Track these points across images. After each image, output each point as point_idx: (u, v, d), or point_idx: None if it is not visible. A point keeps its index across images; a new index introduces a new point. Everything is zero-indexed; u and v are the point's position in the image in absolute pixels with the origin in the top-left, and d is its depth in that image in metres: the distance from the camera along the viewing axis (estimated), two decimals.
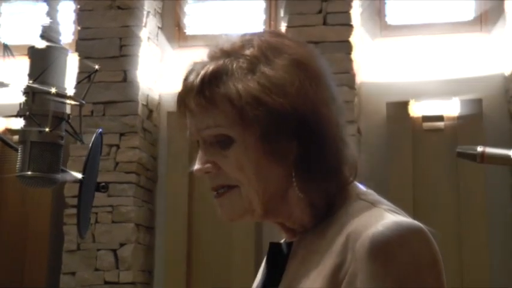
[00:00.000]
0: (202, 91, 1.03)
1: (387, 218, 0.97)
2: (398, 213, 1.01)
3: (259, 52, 1.03)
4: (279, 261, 1.08)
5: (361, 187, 1.08)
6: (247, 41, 1.05)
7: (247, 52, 1.04)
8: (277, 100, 1.00)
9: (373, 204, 1.02)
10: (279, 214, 1.07)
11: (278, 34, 1.08)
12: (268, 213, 1.06)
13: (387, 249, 0.93)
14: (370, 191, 1.07)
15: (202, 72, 1.03)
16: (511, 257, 4.13)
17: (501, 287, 4.08)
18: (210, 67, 1.03)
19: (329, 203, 1.04)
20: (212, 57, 1.05)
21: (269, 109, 1.00)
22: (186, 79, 1.06)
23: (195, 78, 1.03)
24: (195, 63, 1.06)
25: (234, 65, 1.03)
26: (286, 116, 1.00)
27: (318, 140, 1.02)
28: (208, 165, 1.05)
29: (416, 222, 0.97)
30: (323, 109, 1.03)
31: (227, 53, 1.05)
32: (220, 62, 1.03)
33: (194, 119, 1.05)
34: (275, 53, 1.04)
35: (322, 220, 1.04)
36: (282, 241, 1.13)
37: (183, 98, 1.06)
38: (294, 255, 1.06)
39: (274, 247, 1.11)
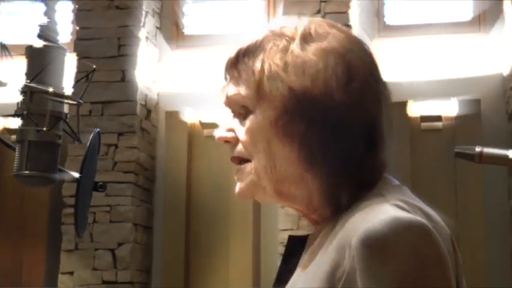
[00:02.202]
0: (235, 62, 1.07)
1: (387, 212, 0.94)
2: (404, 209, 0.96)
3: (300, 35, 1.05)
4: (297, 254, 1.08)
5: (394, 182, 1.06)
6: (296, 24, 1.07)
7: (288, 33, 1.06)
8: (292, 78, 1.01)
9: (384, 197, 1.00)
10: (296, 199, 1.06)
11: (330, 24, 1.09)
12: (281, 195, 1.06)
13: (383, 246, 0.90)
14: (401, 186, 1.05)
15: (241, 46, 1.07)
16: (509, 256, 4.14)
17: (499, 286, 4.09)
18: (250, 42, 1.07)
19: (348, 197, 1.02)
20: (261, 36, 1.08)
21: (285, 86, 1.02)
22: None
23: (235, 51, 1.08)
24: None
25: (271, 44, 1.05)
26: (297, 95, 1.01)
27: (328, 129, 1.01)
28: (228, 133, 1.08)
29: (417, 218, 0.93)
30: (343, 99, 1.01)
31: (273, 33, 1.07)
32: (260, 38, 1.06)
33: (228, 87, 1.09)
34: (316, 39, 1.04)
35: (339, 212, 1.02)
36: (301, 234, 1.12)
37: (224, 68, 1.10)
38: (308, 249, 1.05)
39: (293, 240, 1.11)
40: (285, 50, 1.04)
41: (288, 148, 1.02)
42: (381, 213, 0.94)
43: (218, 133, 1.09)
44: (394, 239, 0.90)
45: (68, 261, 4.29)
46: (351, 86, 1.02)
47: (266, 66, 1.03)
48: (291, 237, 1.12)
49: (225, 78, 1.10)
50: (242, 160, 1.07)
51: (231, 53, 1.09)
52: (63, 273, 4.29)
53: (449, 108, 4.30)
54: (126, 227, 4.32)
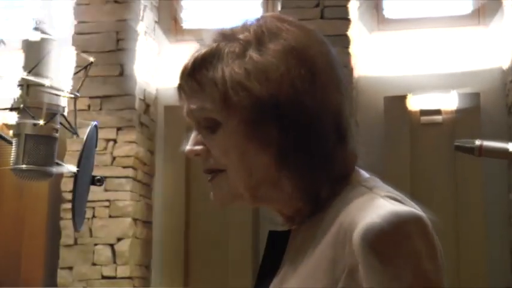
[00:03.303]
0: (193, 74, 1.04)
1: (383, 206, 0.94)
2: (398, 200, 0.97)
3: (253, 36, 1.03)
4: (278, 249, 1.07)
5: (365, 174, 1.06)
6: (246, 25, 1.06)
7: (241, 36, 1.04)
8: (256, 86, 1.00)
9: (370, 189, 1.00)
10: (273, 201, 1.06)
11: (281, 18, 1.07)
12: (259, 199, 1.06)
13: (384, 242, 0.91)
14: (374, 178, 1.05)
15: (195, 55, 1.05)
16: (509, 250, 4.13)
17: (499, 280, 4.08)
18: (203, 50, 1.04)
19: (326, 191, 1.02)
20: (213, 40, 1.06)
21: (250, 95, 1.00)
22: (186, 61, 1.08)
23: (188, 61, 1.05)
24: (199, 46, 1.07)
25: (226, 49, 1.03)
26: (266, 103, 1.00)
27: (301, 129, 1.01)
28: (198, 147, 1.06)
29: (413, 211, 0.94)
30: (310, 98, 1.01)
31: (224, 37, 1.05)
32: (215, 45, 1.04)
33: (188, 101, 1.07)
34: (271, 38, 1.03)
35: (322, 208, 1.02)
36: (282, 229, 1.12)
37: (179, 79, 1.07)
38: (291, 244, 1.05)
39: (274, 235, 1.10)
40: (243, 55, 1.02)
41: (262, 154, 1.02)
42: (378, 208, 0.94)
43: (187, 147, 1.07)
44: (394, 234, 0.91)
45: (67, 256, 4.29)
46: (316, 83, 1.02)
47: (227, 76, 1.01)
48: (271, 233, 1.11)
49: (181, 89, 1.07)
50: (213, 170, 1.06)
51: (186, 63, 1.06)
52: (62, 268, 4.29)
53: (449, 101, 4.29)
54: (126, 222, 4.31)
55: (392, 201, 0.96)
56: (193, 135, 1.07)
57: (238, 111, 1.01)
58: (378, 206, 0.95)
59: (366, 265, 0.91)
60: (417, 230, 0.92)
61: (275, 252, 1.08)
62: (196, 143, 1.07)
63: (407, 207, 0.95)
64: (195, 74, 1.04)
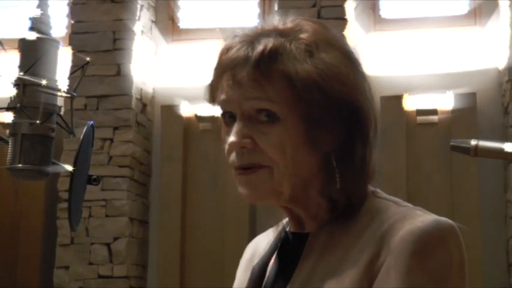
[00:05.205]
0: (258, 65, 1.00)
1: (423, 215, 1.00)
2: (425, 212, 1.03)
3: (314, 38, 1.03)
4: (289, 252, 1.07)
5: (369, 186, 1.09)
6: (298, 25, 1.05)
7: (303, 36, 1.03)
8: (336, 88, 1.00)
9: (396, 203, 1.04)
10: (299, 202, 1.06)
11: (323, 25, 1.08)
12: (294, 200, 1.05)
13: (427, 246, 0.95)
14: (379, 190, 1.09)
15: (261, 47, 1.01)
16: (504, 249, 4.14)
17: (495, 280, 4.09)
18: (270, 43, 1.02)
19: (349, 199, 1.03)
20: (262, 34, 1.04)
21: (326, 95, 1.00)
22: (230, 49, 1.04)
23: (250, 51, 1.02)
24: (241, 36, 1.05)
25: (292, 46, 1.02)
26: (342, 105, 1.01)
27: (363, 136, 1.03)
28: (246, 140, 1.02)
29: (450, 222, 1.00)
30: (366, 104, 1.04)
31: (282, 33, 1.04)
32: (278, 39, 1.02)
33: (240, 90, 1.02)
34: (327, 43, 1.04)
35: (341, 215, 1.03)
36: (290, 230, 1.11)
37: (229, 67, 1.03)
38: (311, 248, 1.04)
39: (290, 236, 1.10)
40: (310, 54, 1.01)
41: (314, 154, 1.02)
42: (419, 216, 0.99)
43: (233, 139, 1.02)
44: (436, 241, 0.97)
45: (64, 255, 4.29)
46: (366, 89, 1.06)
47: (301, 73, 1.00)
48: (289, 233, 1.10)
49: (233, 77, 1.02)
50: (255, 165, 1.02)
51: (244, 52, 1.02)
52: (58, 268, 4.29)
53: (445, 101, 4.29)
54: (122, 221, 4.31)
55: (425, 212, 1.02)
56: (238, 127, 1.02)
57: (305, 109, 1.00)
58: (417, 215, 1.00)
59: (405, 266, 0.94)
60: (455, 239, 0.99)
61: (289, 252, 1.08)
62: (243, 136, 1.02)
63: (444, 218, 1.01)
64: (260, 65, 1.00)
